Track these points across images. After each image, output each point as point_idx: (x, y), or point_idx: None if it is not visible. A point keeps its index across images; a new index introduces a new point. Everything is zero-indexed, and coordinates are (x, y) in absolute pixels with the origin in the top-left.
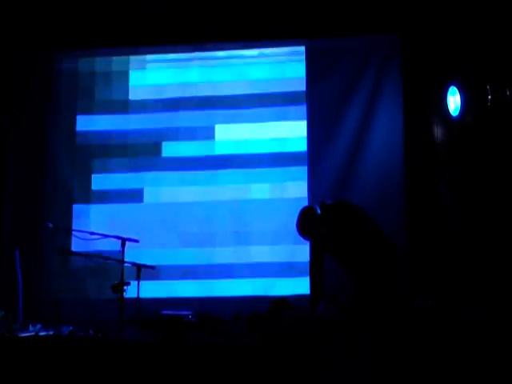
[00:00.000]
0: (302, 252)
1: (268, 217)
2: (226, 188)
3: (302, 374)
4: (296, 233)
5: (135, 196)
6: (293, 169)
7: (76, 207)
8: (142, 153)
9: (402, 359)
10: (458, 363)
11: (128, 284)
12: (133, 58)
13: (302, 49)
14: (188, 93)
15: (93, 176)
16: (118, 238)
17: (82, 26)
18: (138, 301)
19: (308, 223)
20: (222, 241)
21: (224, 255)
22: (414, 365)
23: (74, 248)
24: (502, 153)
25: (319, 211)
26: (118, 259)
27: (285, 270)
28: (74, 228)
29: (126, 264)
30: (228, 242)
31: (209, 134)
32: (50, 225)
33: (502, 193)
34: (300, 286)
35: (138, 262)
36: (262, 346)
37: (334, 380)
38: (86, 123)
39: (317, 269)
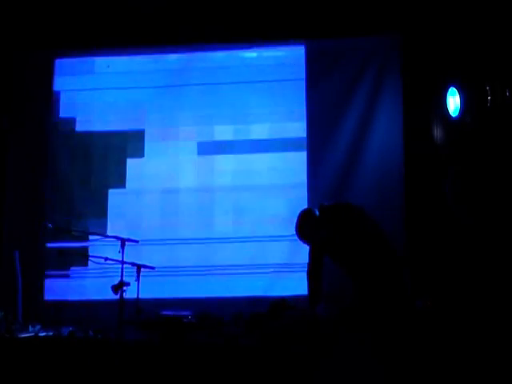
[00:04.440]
0: (301, 252)
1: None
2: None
3: (301, 375)
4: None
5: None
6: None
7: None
8: None
9: (402, 360)
10: (458, 364)
11: (128, 284)
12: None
13: (302, 49)
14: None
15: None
16: (117, 238)
17: (81, 27)
18: (137, 301)
19: (307, 226)
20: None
21: (223, 255)
22: (414, 365)
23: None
24: (501, 153)
25: (318, 213)
26: (117, 259)
27: (284, 269)
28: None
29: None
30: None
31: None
32: (50, 225)
33: (501, 193)
34: (300, 286)
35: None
36: (262, 346)
37: (333, 380)
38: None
39: (316, 271)
